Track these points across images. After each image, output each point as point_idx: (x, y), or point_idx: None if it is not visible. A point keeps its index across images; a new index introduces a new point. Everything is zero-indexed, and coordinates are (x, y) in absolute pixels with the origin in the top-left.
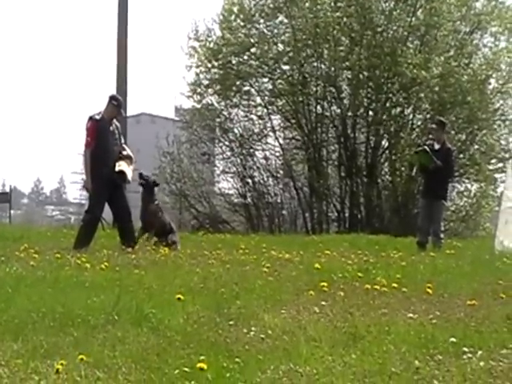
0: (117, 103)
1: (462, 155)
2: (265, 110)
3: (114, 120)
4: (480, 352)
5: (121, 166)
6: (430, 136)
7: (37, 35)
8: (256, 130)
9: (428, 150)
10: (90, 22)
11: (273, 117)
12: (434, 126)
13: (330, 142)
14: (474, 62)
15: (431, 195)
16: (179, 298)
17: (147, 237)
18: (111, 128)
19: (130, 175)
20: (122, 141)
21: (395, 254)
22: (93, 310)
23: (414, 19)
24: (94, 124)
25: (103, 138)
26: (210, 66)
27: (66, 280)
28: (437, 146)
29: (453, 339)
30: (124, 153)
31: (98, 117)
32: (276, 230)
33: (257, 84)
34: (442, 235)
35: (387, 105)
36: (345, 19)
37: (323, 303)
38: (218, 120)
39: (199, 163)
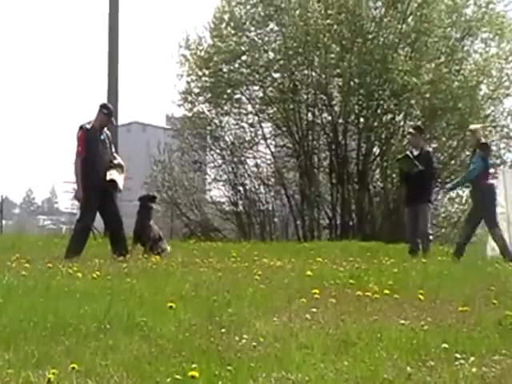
0: (107, 112)
1: (453, 161)
2: (256, 118)
3: (105, 129)
4: (472, 358)
5: (112, 174)
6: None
7: (29, 44)
8: (247, 138)
9: (410, 155)
10: (81, 30)
11: (264, 124)
12: (411, 131)
13: (321, 149)
14: (464, 68)
15: (415, 200)
16: (171, 306)
17: (144, 249)
18: (102, 137)
19: (121, 184)
20: (113, 149)
21: (387, 260)
22: (84, 318)
23: (404, 26)
24: (84, 133)
25: (94, 147)
26: (200, 74)
27: (57, 289)
28: (415, 152)
29: (445, 345)
30: (115, 161)
31: (88, 126)
32: (267, 238)
33: (248, 92)
34: (430, 237)
35: (378, 111)
36: (335, 26)
37: (315, 310)
38: (209, 128)
39: (190, 171)
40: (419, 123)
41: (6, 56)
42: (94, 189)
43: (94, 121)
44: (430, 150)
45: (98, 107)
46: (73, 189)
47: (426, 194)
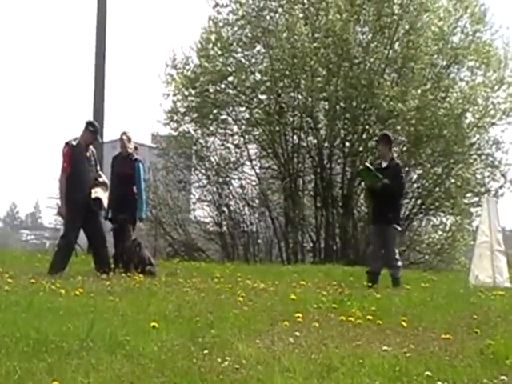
0: (93, 129)
1: (437, 188)
2: (241, 139)
3: (91, 146)
4: None
5: (97, 192)
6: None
7: (14, 59)
8: (232, 159)
9: (370, 166)
10: (67, 47)
11: (249, 146)
12: (377, 140)
13: (306, 172)
14: (450, 96)
15: (382, 220)
16: (154, 326)
17: (127, 271)
18: (87, 154)
19: (105, 202)
20: (98, 167)
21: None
22: (67, 336)
23: (391, 52)
24: (70, 149)
25: (79, 164)
26: (187, 93)
27: (40, 305)
28: (384, 164)
29: (427, 373)
30: (100, 179)
31: (74, 142)
32: (251, 259)
33: (234, 113)
34: (399, 263)
35: (364, 136)
36: (322, 50)
37: (298, 334)
38: (194, 148)
39: (175, 190)
40: (387, 132)
41: None
42: (78, 205)
43: (80, 137)
44: (400, 163)
45: (83, 124)
46: (56, 204)
47: (392, 213)
